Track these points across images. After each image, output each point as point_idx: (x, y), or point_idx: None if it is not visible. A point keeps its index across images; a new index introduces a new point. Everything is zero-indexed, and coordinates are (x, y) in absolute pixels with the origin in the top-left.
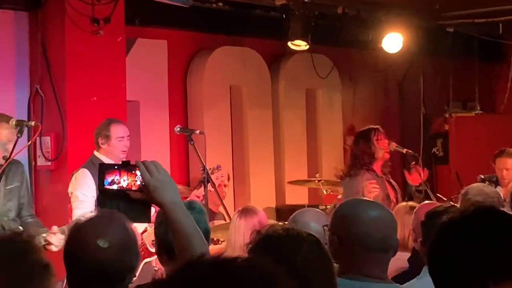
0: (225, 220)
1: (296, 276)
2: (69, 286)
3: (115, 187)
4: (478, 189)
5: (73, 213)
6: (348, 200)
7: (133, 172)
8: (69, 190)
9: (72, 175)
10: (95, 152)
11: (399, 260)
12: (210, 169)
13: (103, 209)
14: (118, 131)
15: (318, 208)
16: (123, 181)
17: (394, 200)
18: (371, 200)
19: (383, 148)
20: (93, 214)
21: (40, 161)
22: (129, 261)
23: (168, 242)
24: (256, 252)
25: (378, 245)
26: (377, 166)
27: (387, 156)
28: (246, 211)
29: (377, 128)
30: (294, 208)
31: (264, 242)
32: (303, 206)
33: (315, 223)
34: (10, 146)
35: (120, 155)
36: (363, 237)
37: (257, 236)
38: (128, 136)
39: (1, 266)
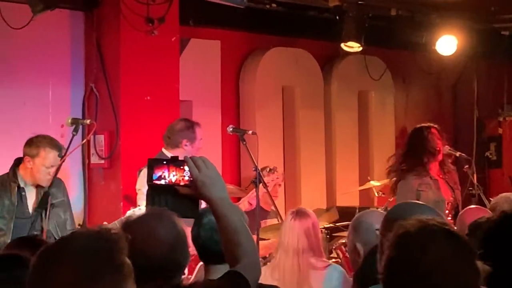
0: (278, 218)
1: (423, 277)
2: None
3: (162, 182)
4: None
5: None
6: (398, 203)
7: (182, 167)
8: (137, 186)
9: (140, 171)
10: (164, 150)
11: None
12: (266, 168)
13: (153, 207)
14: (200, 133)
15: None
16: (172, 176)
17: (451, 200)
18: (421, 203)
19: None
20: (143, 211)
21: (94, 159)
22: (177, 259)
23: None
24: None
25: None
26: (433, 167)
27: (440, 157)
28: (300, 213)
29: (429, 127)
30: (344, 210)
31: (396, 238)
32: (354, 208)
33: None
34: (53, 170)
35: None
36: None
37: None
38: None
39: (69, 261)
